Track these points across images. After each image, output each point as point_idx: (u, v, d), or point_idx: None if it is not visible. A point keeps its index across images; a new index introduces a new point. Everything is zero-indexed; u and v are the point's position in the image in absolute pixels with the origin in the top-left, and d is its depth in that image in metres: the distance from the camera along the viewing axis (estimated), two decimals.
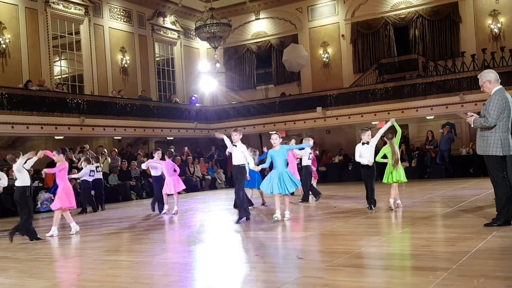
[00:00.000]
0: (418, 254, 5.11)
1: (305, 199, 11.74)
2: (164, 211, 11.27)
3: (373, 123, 19.94)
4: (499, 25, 20.11)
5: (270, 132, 22.53)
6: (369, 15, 22.58)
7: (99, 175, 13.62)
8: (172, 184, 11.13)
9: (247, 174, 9.51)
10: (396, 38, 22.41)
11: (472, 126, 6.49)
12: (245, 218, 8.72)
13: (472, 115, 6.48)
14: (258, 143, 22.88)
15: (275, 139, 8.51)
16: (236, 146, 8.78)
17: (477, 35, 20.58)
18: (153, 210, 11.75)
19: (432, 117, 19.56)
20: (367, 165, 9.08)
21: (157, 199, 11.70)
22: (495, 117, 6.18)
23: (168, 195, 11.34)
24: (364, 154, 9.12)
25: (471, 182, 14.62)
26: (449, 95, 18.30)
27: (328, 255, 5.38)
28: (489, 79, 6.39)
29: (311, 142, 11.32)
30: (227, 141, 9.17)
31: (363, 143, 9.21)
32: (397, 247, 5.79)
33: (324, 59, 23.54)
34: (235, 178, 9.06)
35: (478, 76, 6.57)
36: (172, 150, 13.17)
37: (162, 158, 11.67)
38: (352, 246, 5.77)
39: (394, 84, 19.82)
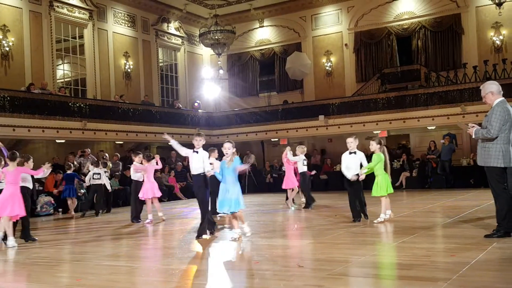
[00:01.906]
0: (418, 264, 5.10)
1: (307, 205, 11.73)
2: (147, 220, 10.68)
3: (375, 132, 19.97)
4: (501, 37, 20.14)
5: (273, 140, 22.67)
6: (373, 25, 22.66)
7: (102, 181, 13.64)
8: (154, 188, 10.92)
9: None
10: (399, 48, 22.48)
11: (473, 137, 6.51)
12: (209, 232, 7.96)
13: (473, 126, 6.51)
14: (260, 150, 22.93)
15: (228, 148, 7.21)
16: (197, 152, 7.72)
17: (479, 47, 20.62)
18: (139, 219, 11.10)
19: (433, 127, 19.58)
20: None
21: (136, 206, 11.11)
22: (497, 128, 6.21)
23: (148, 199, 10.88)
24: (351, 166, 8.61)
25: (471, 192, 14.63)
26: (451, 106, 18.30)
27: (329, 263, 5.38)
28: (492, 90, 6.43)
29: (303, 149, 11.98)
30: (175, 144, 7.84)
31: (350, 153, 8.68)
32: (397, 257, 5.79)
33: (327, 68, 23.59)
34: (196, 188, 7.89)
35: (481, 87, 6.61)
36: (151, 153, 12.32)
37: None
38: (352, 255, 5.77)
39: (396, 94, 19.86)
